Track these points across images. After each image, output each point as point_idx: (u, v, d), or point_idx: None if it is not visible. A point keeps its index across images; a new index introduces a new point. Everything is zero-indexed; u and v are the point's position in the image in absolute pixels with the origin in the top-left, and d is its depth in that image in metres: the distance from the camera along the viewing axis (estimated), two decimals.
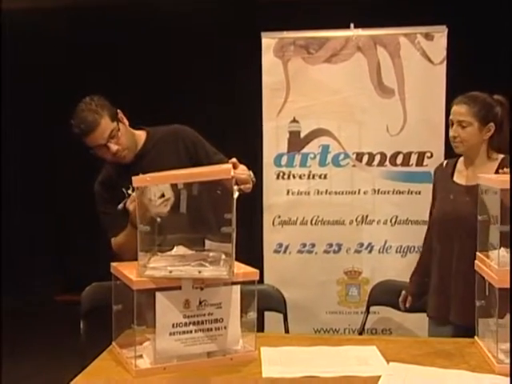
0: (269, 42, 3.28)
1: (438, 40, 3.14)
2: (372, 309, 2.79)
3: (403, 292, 2.47)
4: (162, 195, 1.84)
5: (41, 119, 5.26)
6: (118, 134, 2.13)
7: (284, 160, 3.30)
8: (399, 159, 3.18)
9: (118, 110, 2.20)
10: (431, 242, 2.38)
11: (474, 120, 2.20)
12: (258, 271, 1.77)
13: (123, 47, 5.05)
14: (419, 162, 3.16)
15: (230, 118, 4.88)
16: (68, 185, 5.65)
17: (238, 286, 1.72)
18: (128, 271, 1.71)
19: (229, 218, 1.62)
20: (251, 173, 2.02)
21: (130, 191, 2.11)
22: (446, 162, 2.46)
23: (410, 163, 3.16)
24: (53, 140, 5.36)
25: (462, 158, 2.35)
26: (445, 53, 3.13)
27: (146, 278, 1.65)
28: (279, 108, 3.29)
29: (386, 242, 3.17)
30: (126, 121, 2.23)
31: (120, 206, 2.03)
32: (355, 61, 3.21)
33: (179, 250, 1.83)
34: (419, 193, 3.12)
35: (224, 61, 4.88)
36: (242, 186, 1.88)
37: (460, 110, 2.22)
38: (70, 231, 5.90)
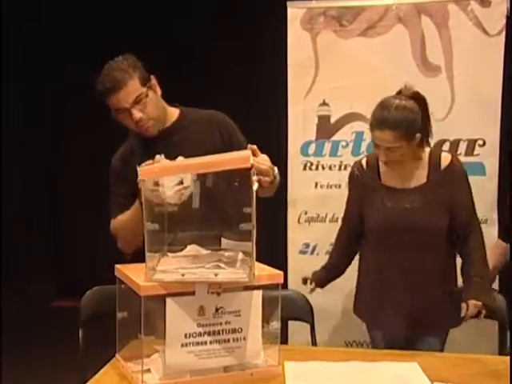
0: (295, 12, 3.27)
1: (495, 7, 3.08)
2: None
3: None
4: (181, 182, 1.85)
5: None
6: (145, 100, 2.14)
7: (312, 148, 3.30)
8: (445, 148, 3.15)
9: (152, 76, 2.21)
10: (351, 246, 2.54)
11: (402, 142, 2.27)
12: (282, 273, 1.77)
13: (140, 25, 5.07)
14: (469, 152, 3.13)
15: (250, 100, 4.89)
16: (67, 182, 5.75)
17: (260, 291, 1.72)
18: (135, 274, 1.72)
19: (248, 212, 1.62)
20: (276, 168, 1.99)
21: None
22: (364, 160, 2.49)
23: (459, 152, 3.12)
24: (54, 139, 5.46)
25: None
26: (504, 22, 3.07)
27: (155, 283, 1.65)
28: (307, 89, 3.29)
29: None
30: (158, 89, 2.24)
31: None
32: (395, 33, 3.19)
33: (192, 249, 1.84)
34: None
35: (244, 35, 4.87)
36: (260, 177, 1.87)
37: (385, 136, 2.26)
38: (68, 229, 5.97)
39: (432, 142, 3.12)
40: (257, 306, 1.73)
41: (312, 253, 3.28)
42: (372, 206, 2.41)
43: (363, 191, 2.44)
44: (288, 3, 3.28)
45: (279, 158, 3.47)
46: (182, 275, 1.66)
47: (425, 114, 2.37)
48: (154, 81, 2.21)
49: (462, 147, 3.14)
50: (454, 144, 3.14)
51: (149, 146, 2.17)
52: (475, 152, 3.12)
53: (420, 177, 2.37)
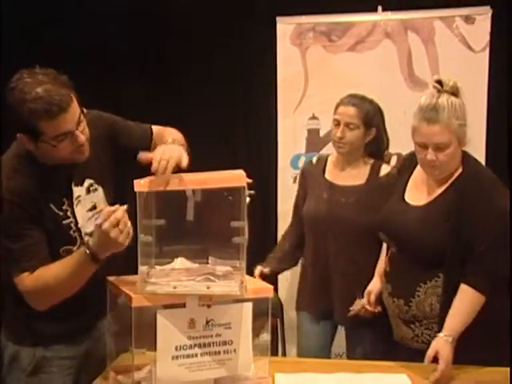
0: (285, 28, 3.32)
1: (480, 24, 3.14)
2: None
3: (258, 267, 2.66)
4: (94, 207, 1.90)
5: None
6: (83, 120, 1.79)
7: (302, 162, 3.32)
8: None
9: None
10: (298, 237, 2.72)
11: (360, 123, 2.54)
12: (272, 287, 1.81)
13: (118, 34, 5.09)
14: None
15: (240, 114, 4.89)
16: None
17: (250, 304, 1.74)
18: (126, 287, 1.73)
19: (239, 226, 1.65)
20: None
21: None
22: (315, 158, 2.76)
23: None
24: None
25: (331, 158, 2.70)
26: (488, 38, 3.13)
27: (147, 295, 1.66)
28: (296, 103, 3.34)
29: None
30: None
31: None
32: (383, 49, 3.25)
33: (181, 262, 1.85)
34: None
35: (233, 50, 4.89)
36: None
37: (348, 111, 2.55)
38: None
39: None
40: (247, 318, 1.74)
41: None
42: (312, 196, 2.66)
43: (309, 184, 2.69)
44: (277, 19, 3.32)
45: (269, 171, 3.52)
46: (174, 288, 1.67)
47: (382, 126, 2.62)
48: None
49: None
50: None
51: (50, 173, 1.82)
52: None
53: (360, 178, 2.59)
